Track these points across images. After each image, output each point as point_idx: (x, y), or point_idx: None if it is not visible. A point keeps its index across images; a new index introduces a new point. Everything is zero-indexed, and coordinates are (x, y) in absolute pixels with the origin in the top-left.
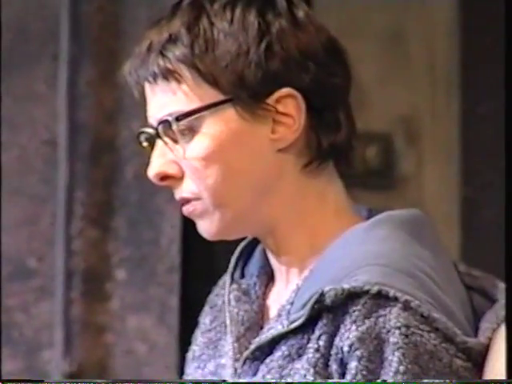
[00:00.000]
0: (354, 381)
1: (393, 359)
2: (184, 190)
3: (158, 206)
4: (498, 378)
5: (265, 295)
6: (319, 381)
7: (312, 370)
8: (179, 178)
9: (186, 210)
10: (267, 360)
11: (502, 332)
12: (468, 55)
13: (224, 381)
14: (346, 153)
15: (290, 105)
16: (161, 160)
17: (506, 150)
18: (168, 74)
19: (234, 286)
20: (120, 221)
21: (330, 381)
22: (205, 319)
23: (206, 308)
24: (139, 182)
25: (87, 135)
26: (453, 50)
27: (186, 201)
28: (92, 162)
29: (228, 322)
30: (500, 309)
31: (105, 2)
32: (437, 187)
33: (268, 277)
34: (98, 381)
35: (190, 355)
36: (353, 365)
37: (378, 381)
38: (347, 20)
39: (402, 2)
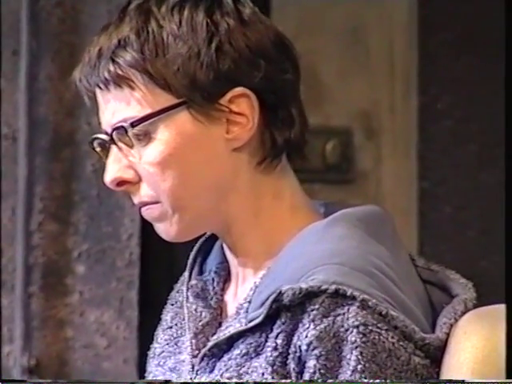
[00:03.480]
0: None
1: (351, 358)
2: (142, 195)
3: (117, 201)
4: (457, 377)
5: (223, 291)
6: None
7: (270, 369)
8: (136, 183)
9: (145, 213)
10: (225, 358)
11: (460, 327)
12: (426, 51)
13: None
14: (301, 148)
15: (243, 104)
16: (116, 166)
17: (507, 150)
18: (120, 80)
19: (193, 282)
20: (79, 215)
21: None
22: (166, 316)
23: (168, 305)
24: (99, 177)
25: (47, 130)
26: (411, 47)
27: (144, 204)
28: (52, 156)
29: (186, 318)
30: (458, 304)
31: None
32: (395, 182)
33: (226, 273)
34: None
35: (150, 353)
36: (311, 363)
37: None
38: (307, 16)
39: None
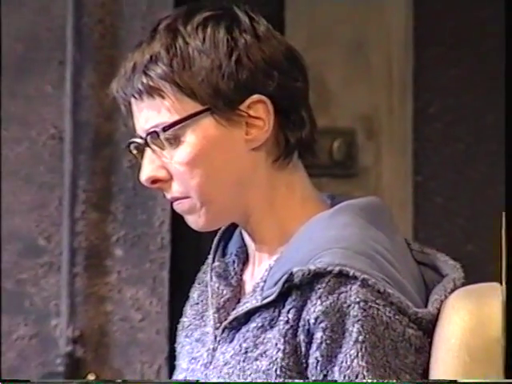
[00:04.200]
0: (320, 350)
1: (353, 330)
2: (173, 191)
3: (150, 192)
4: (446, 346)
5: (242, 272)
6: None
7: (282, 340)
8: (168, 181)
9: (176, 207)
10: (243, 330)
11: (449, 302)
12: (420, 63)
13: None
14: (311, 146)
15: (260, 109)
16: (150, 166)
17: (507, 149)
18: (152, 91)
19: (216, 263)
20: (117, 205)
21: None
22: (193, 294)
23: (195, 284)
24: (134, 172)
25: (89, 131)
26: (407, 58)
27: (176, 199)
28: (93, 154)
29: (210, 295)
30: (448, 282)
31: (104, 14)
32: (392, 176)
33: (245, 256)
34: (100, 381)
35: (179, 326)
36: (318, 335)
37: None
38: (316, 32)
39: (363, 15)
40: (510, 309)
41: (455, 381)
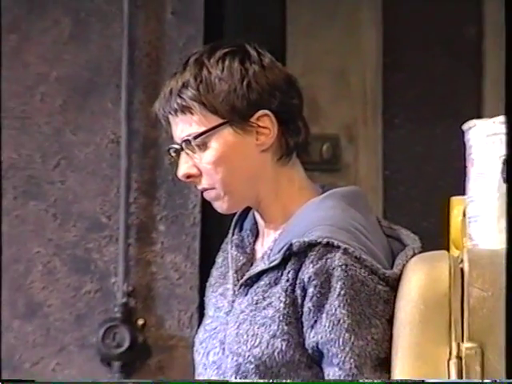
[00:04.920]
0: (312, 301)
1: (336, 286)
2: (203, 184)
3: (185, 184)
4: (407, 299)
5: (254, 243)
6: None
7: (284, 294)
8: (198, 176)
9: (205, 195)
10: (255, 286)
11: (409, 265)
12: (388, 84)
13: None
14: (306, 148)
15: (266, 121)
16: (185, 165)
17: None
18: (184, 109)
19: (235, 236)
20: (161, 192)
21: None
22: (218, 259)
23: (220, 252)
24: (173, 168)
25: (139, 136)
26: (378, 81)
27: (205, 190)
28: (142, 154)
29: (230, 260)
30: (409, 250)
31: (151, 49)
32: (367, 171)
33: (256, 231)
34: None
35: (208, 284)
36: (310, 290)
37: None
38: (310, 61)
39: (345, 48)
40: (510, 309)
41: (422, 381)
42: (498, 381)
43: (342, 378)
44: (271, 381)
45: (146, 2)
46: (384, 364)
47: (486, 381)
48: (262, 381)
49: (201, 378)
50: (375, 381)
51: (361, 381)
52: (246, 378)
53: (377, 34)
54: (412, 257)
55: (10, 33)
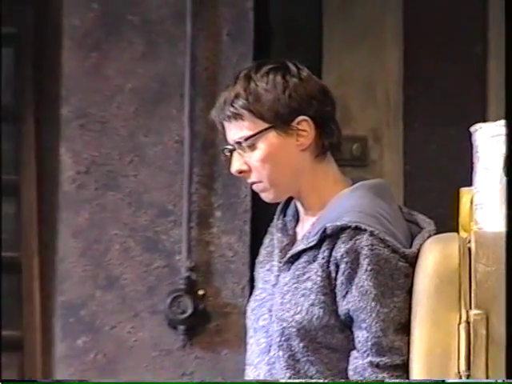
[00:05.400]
0: (343, 275)
1: (364, 263)
2: (252, 178)
3: (238, 177)
4: (424, 273)
5: (295, 227)
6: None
7: (320, 269)
8: (248, 172)
9: (254, 187)
10: (296, 263)
11: (425, 245)
12: (407, 94)
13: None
14: (338, 147)
15: (305, 125)
16: (237, 163)
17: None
18: (236, 116)
19: (279, 221)
20: (218, 184)
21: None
22: (265, 241)
23: (267, 234)
24: (227, 164)
25: (200, 137)
26: (399, 91)
27: (254, 183)
28: (202, 152)
29: (275, 241)
30: (425, 233)
31: (209, 65)
32: (390, 166)
33: (297, 217)
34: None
35: (256, 261)
36: (342, 266)
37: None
38: (342, 74)
39: (372, 63)
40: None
41: (443, 381)
42: (498, 381)
43: (369, 339)
44: (313, 297)
45: (205, 26)
46: (405, 328)
47: (487, 381)
48: (307, 298)
49: (251, 340)
50: (396, 380)
51: (386, 380)
52: (288, 340)
53: (398, 52)
54: (428, 238)
55: (92, 51)
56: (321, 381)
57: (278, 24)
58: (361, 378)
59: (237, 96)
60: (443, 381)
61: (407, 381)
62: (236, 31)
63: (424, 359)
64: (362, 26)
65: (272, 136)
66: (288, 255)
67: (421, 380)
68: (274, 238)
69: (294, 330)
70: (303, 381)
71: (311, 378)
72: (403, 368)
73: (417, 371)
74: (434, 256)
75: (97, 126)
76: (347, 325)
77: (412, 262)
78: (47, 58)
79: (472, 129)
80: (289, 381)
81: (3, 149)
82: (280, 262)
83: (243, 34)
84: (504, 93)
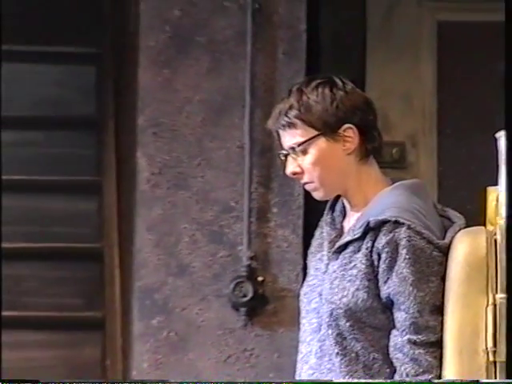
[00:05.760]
0: (385, 263)
1: (402, 252)
2: (304, 179)
3: (292, 178)
4: (456, 261)
5: (342, 221)
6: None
7: (364, 258)
8: (301, 173)
9: (306, 187)
10: (343, 253)
11: (457, 237)
12: (441, 105)
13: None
14: (380, 151)
15: (350, 132)
16: (292, 165)
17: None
18: (290, 125)
19: (328, 217)
20: (274, 184)
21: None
22: (316, 233)
23: (318, 228)
24: (283, 166)
25: (258, 143)
26: (434, 102)
27: (306, 183)
28: (261, 156)
29: (325, 234)
30: (456, 226)
31: (267, 79)
32: (426, 168)
33: (344, 213)
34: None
35: (308, 251)
36: (383, 255)
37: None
38: (384, 88)
39: (410, 78)
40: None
41: (477, 381)
42: (498, 381)
43: (407, 319)
44: (358, 282)
45: (263, 45)
46: (439, 310)
47: (489, 380)
48: (352, 284)
49: (304, 320)
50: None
51: (422, 356)
52: (336, 320)
53: (432, 68)
54: (458, 231)
55: (164, 68)
56: (362, 381)
57: (327, 43)
58: (400, 354)
59: (290, 107)
60: (477, 381)
61: (440, 380)
62: (290, 50)
63: (456, 337)
64: (401, 45)
65: (321, 142)
66: (336, 246)
67: (455, 380)
68: (323, 231)
69: (342, 311)
70: (379, 322)
71: (356, 353)
72: (437, 345)
73: (449, 348)
74: (464, 247)
75: (168, 133)
76: (388, 307)
77: (445, 251)
78: (125, 75)
79: (497, 135)
80: (296, 379)
81: (87, 154)
82: (329, 252)
83: (296, 53)
84: None
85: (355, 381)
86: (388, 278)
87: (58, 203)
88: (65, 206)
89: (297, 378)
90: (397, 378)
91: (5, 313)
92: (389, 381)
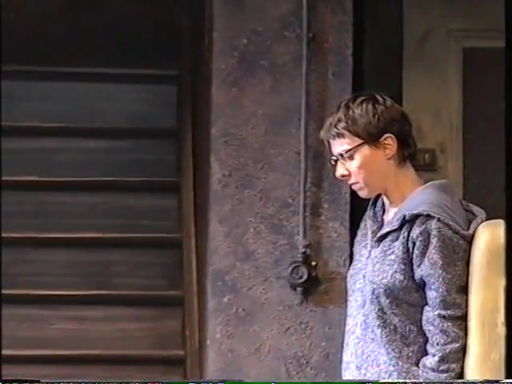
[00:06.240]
0: (418, 250)
1: (433, 241)
2: (351, 180)
3: (340, 180)
4: (478, 248)
5: (382, 215)
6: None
7: (401, 246)
8: (348, 176)
9: (352, 187)
10: (383, 241)
11: (479, 228)
12: (466, 118)
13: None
14: (414, 156)
15: (389, 140)
16: (340, 169)
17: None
18: (338, 135)
19: (371, 212)
20: (325, 183)
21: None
22: (361, 225)
23: (362, 221)
24: (333, 170)
25: (312, 150)
26: (459, 115)
27: (352, 184)
28: (314, 160)
29: (368, 226)
30: (478, 219)
31: (319, 96)
32: (453, 170)
33: (384, 208)
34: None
35: (355, 240)
36: (417, 243)
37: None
38: (417, 103)
39: (439, 94)
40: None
41: (497, 381)
42: (498, 381)
43: (437, 297)
44: (395, 266)
45: (316, 68)
46: (464, 289)
47: (508, 381)
48: (389, 269)
49: (350, 298)
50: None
51: (450, 328)
52: (378, 297)
53: (459, 87)
54: (481, 223)
55: (233, 87)
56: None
57: (370, 65)
58: (432, 327)
59: (339, 120)
60: (497, 381)
61: (460, 381)
62: (338, 72)
63: (479, 312)
64: (432, 67)
65: (365, 149)
66: (377, 236)
67: (474, 380)
68: (367, 224)
69: (382, 290)
70: (414, 300)
71: (395, 326)
72: (462, 319)
73: (474, 321)
74: (486, 236)
75: (237, 141)
76: (421, 286)
77: (469, 240)
78: (201, 93)
79: None
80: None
81: (169, 159)
82: (372, 241)
83: (344, 74)
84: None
85: (358, 379)
86: (421, 263)
87: (145, 200)
88: (150, 202)
89: (344, 346)
90: (429, 347)
91: (101, 291)
92: (401, 380)
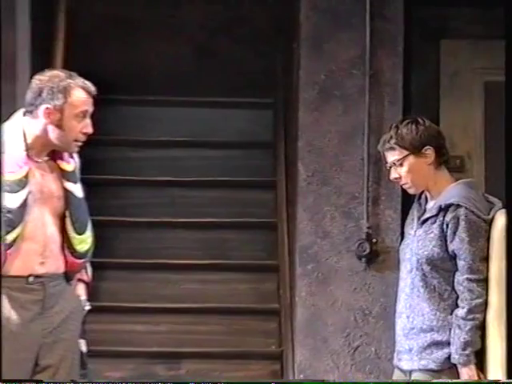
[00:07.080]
0: (450, 230)
1: (462, 224)
2: (402, 182)
3: (393, 181)
4: (497, 229)
5: (425, 205)
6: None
7: (439, 228)
8: (399, 178)
9: (403, 187)
10: (425, 224)
11: (496, 215)
12: (487, 131)
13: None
14: (448, 162)
15: (429, 151)
16: (393, 174)
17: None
18: (391, 148)
19: (416, 204)
20: (383, 183)
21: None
22: (410, 212)
23: (410, 210)
24: (388, 173)
25: (373, 158)
26: (482, 130)
27: (402, 184)
28: (374, 165)
29: (415, 213)
30: (496, 207)
31: (377, 117)
32: (477, 172)
33: (426, 200)
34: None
35: (405, 224)
36: (450, 225)
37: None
38: (451, 123)
39: (464, 115)
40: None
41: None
42: (499, 381)
43: (465, 265)
44: (434, 242)
45: (375, 97)
46: (485, 259)
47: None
48: (425, 249)
49: (401, 266)
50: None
51: (475, 288)
52: (421, 265)
53: (482, 110)
54: (498, 210)
55: (314, 110)
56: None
57: (415, 94)
58: (461, 287)
59: (391, 137)
60: (497, 381)
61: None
62: (392, 100)
63: (497, 277)
64: (461, 96)
65: (411, 158)
66: (421, 220)
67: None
68: (413, 211)
69: (424, 260)
70: (448, 267)
71: (434, 286)
72: (484, 281)
73: (493, 283)
74: (501, 220)
75: (317, 151)
76: (453, 257)
77: (489, 223)
78: (290, 115)
79: None
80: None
81: (267, 164)
82: (417, 224)
83: (396, 102)
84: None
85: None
86: (452, 239)
87: (250, 194)
88: (254, 196)
89: (397, 302)
90: (459, 301)
91: (218, 261)
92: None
